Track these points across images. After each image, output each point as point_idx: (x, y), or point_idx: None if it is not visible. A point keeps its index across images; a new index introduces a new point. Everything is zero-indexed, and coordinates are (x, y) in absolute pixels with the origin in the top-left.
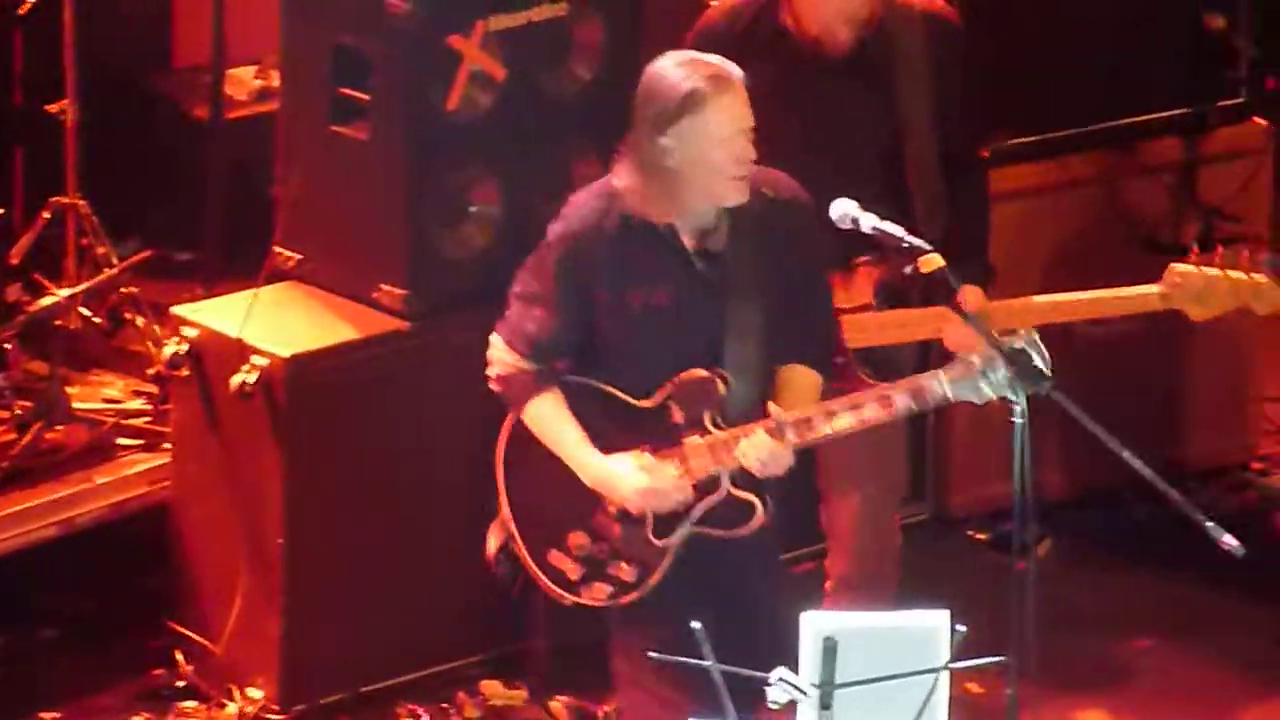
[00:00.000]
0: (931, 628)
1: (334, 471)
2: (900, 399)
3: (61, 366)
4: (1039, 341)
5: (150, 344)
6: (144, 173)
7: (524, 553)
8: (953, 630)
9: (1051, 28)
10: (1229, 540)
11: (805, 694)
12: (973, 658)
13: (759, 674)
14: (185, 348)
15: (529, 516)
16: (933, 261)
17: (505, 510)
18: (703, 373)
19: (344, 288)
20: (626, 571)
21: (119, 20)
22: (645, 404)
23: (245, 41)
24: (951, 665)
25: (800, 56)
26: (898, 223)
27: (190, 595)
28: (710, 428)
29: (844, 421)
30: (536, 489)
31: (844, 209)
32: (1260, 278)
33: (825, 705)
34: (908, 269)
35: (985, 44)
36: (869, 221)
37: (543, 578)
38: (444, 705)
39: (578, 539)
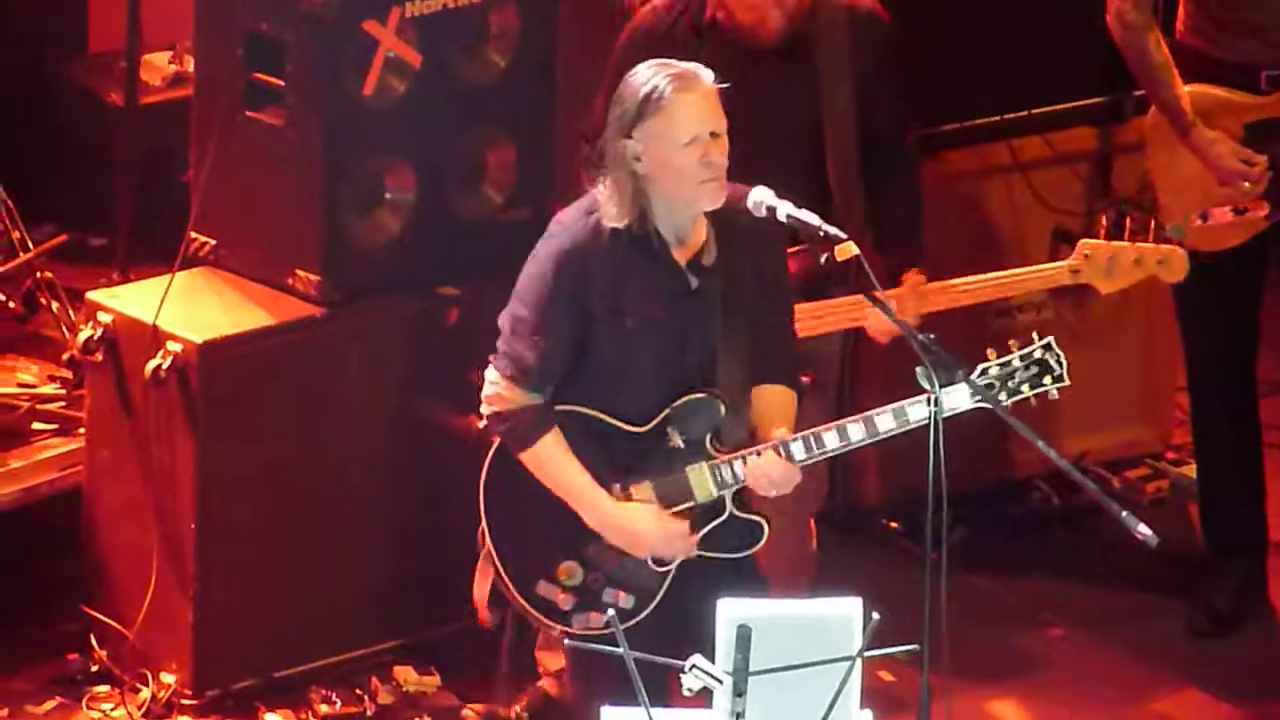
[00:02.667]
0: (845, 616)
1: (247, 458)
2: (914, 410)
3: None
4: (1055, 346)
5: (65, 329)
6: (59, 158)
7: (510, 586)
8: (866, 618)
9: (968, 16)
10: (1143, 530)
11: (720, 681)
12: (886, 646)
13: (674, 661)
14: (100, 333)
15: (512, 549)
16: (848, 250)
17: (489, 545)
18: (701, 395)
19: (259, 273)
20: (623, 599)
21: (34, 5)
22: (641, 429)
23: (160, 27)
24: (865, 653)
25: (729, 46)
26: (821, 209)
27: (103, 580)
28: (710, 450)
29: (856, 435)
30: (519, 521)
31: (760, 197)
32: (1167, 246)
33: (739, 692)
34: (824, 258)
35: (902, 33)
36: (785, 210)
37: (531, 609)
38: (357, 691)
39: (568, 569)
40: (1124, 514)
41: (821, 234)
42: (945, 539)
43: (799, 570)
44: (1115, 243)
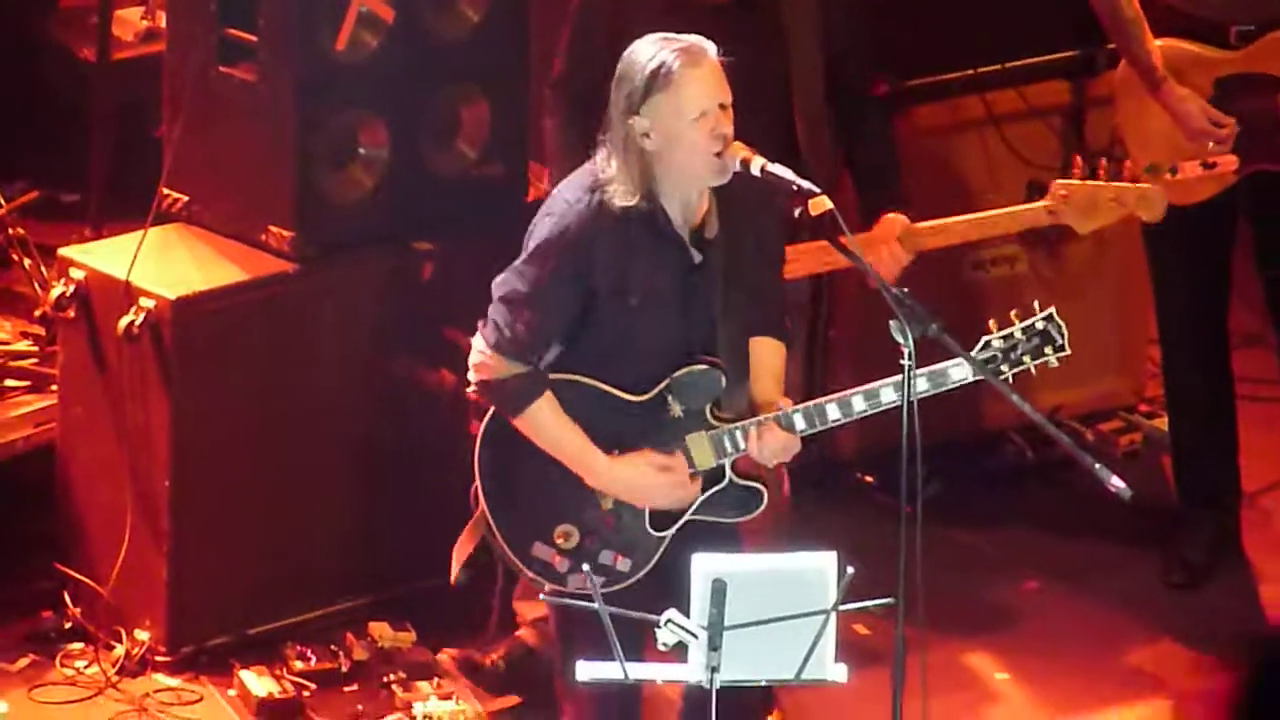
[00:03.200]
0: (820, 569)
1: (221, 414)
2: (920, 382)
3: None
4: (1056, 317)
5: (37, 285)
6: (31, 114)
7: (505, 547)
8: (841, 572)
9: None
10: (1117, 483)
11: (695, 635)
12: (861, 599)
13: (649, 616)
14: (72, 289)
15: (508, 511)
16: (821, 204)
17: (484, 506)
18: (702, 365)
19: (231, 229)
20: (621, 561)
21: None
22: (641, 398)
23: None
24: (839, 607)
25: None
26: (789, 162)
27: (77, 538)
28: (710, 419)
29: (859, 406)
30: (515, 483)
31: (734, 152)
32: (1143, 184)
33: (714, 646)
34: (797, 212)
35: None
36: (758, 164)
37: (526, 570)
38: (332, 647)
39: (564, 530)
40: (1097, 467)
41: (795, 189)
42: (920, 492)
43: (775, 520)
44: (1092, 181)
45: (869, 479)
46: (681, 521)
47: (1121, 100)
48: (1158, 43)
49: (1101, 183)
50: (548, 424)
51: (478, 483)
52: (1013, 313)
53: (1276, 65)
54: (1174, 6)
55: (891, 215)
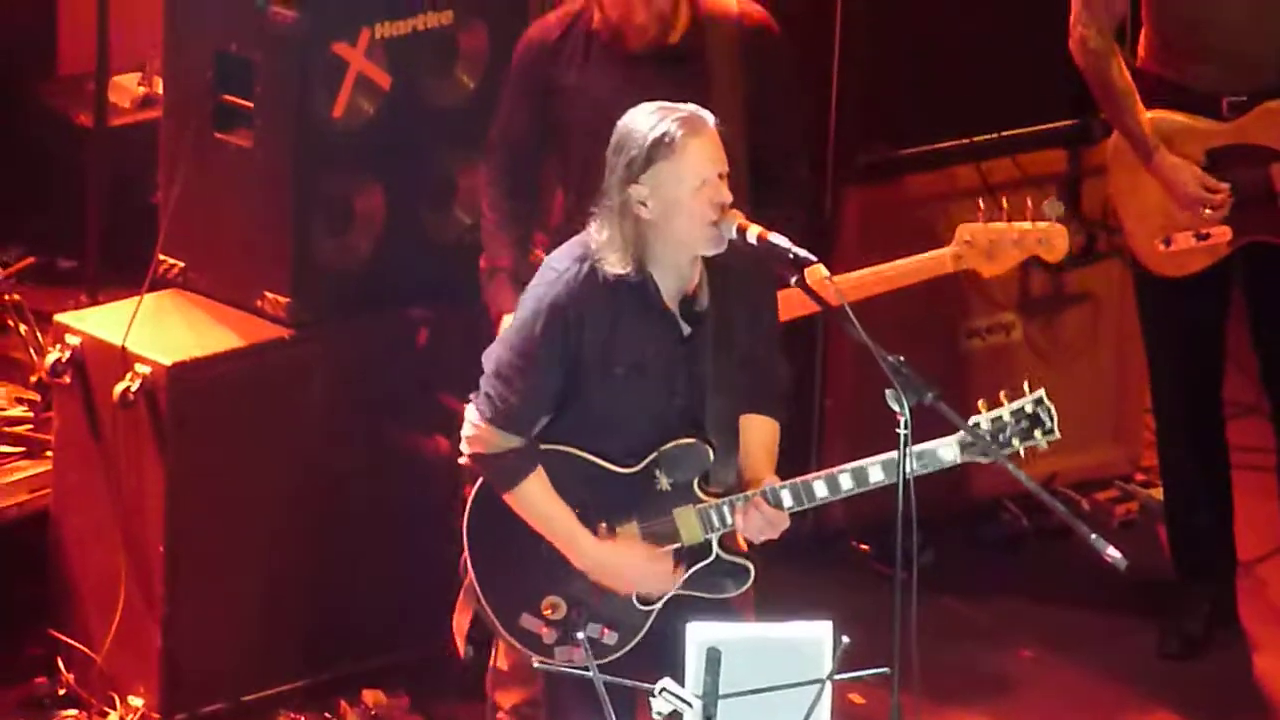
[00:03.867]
0: (815, 638)
1: (216, 480)
2: (909, 462)
3: None
4: (1046, 400)
5: (33, 351)
6: (27, 179)
7: (493, 618)
8: (836, 641)
9: (937, 38)
10: (1113, 553)
11: (689, 705)
12: (856, 668)
13: (644, 685)
14: (68, 355)
15: (495, 582)
16: (818, 272)
17: (472, 577)
18: (690, 440)
19: (227, 295)
20: (607, 635)
21: (3, 26)
22: (629, 471)
23: (129, 49)
24: (835, 676)
25: (608, 56)
26: None
27: (71, 603)
28: (698, 493)
29: (846, 485)
30: (503, 554)
31: (731, 220)
32: (1044, 224)
33: (709, 715)
34: (794, 280)
35: (872, 55)
36: (754, 232)
37: (514, 642)
38: (325, 714)
39: (551, 602)
40: (1093, 536)
41: (792, 256)
42: (915, 561)
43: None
44: (994, 224)
45: (864, 547)
46: (667, 596)
47: (1114, 171)
48: (1149, 114)
49: (1002, 225)
50: (537, 501)
51: (466, 552)
52: (1002, 393)
53: (1269, 136)
54: (1164, 78)
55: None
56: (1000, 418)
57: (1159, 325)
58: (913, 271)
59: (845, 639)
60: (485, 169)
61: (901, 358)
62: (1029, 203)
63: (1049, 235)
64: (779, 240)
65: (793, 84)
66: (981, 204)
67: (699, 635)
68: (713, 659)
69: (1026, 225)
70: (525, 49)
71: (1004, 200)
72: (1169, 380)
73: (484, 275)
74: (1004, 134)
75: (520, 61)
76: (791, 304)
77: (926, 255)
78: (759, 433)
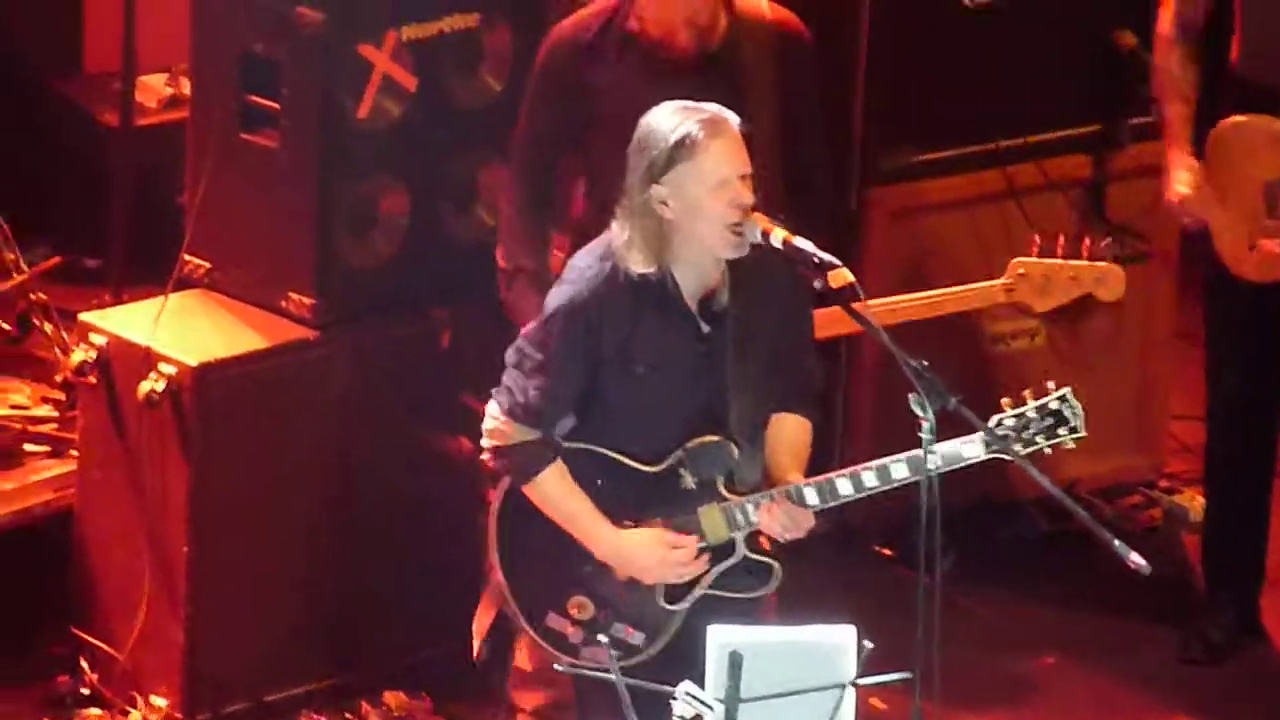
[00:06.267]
0: (837, 643)
1: (240, 480)
2: (932, 460)
3: None
4: (1071, 398)
5: (58, 350)
6: (53, 179)
7: (520, 617)
8: (858, 645)
9: (964, 44)
10: (1136, 559)
11: (710, 708)
12: (878, 673)
13: (665, 687)
14: (93, 355)
15: (523, 581)
16: (842, 276)
17: (499, 575)
18: (714, 438)
19: (252, 296)
20: (633, 635)
21: (29, 25)
22: (653, 469)
23: (156, 49)
24: (857, 681)
25: (644, 59)
26: None
27: (95, 602)
28: (723, 492)
29: (870, 482)
30: (530, 553)
31: (754, 223)
32: (1101, 264)
33: (730, 719)
34: (818, 284)
35: (897, 59)
36: (779, 236)
37: (540, 641)
38: (347, 715)
39: (578, 602)
40: (1115, 542)
41: (815, 260)
42: (937, 565)
43: None
44: (1049, 260)
45: (886, 551)
46: (694, 596)
47: (1211, 172)
48: (1243, 118)
49: (1058, 262)
50: (555, 493)
51: (492, 552)
52: (1025, 391)
53: None
54: (1255, 82)
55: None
56: (1024, 415)
57: (1229, 328)
58: (962, 300)
59: (867, 643)
60: (509, 167)
61: (925, 363)
62: (1087, 240)
63: (1106, 276)
64: (803, 244)
65: (819, 91)
66: (1037, 238)
67: (720, 638)
68: (734, 662)
69: (1083, 263)
70: (555, 47)
71: (1060, 237)
72: (1230, 384)
73: (504, 275)
74: (1029, 139)
75: (548, 59)
76: (823, 325)
77: (978, 286)
78: (790, 432)
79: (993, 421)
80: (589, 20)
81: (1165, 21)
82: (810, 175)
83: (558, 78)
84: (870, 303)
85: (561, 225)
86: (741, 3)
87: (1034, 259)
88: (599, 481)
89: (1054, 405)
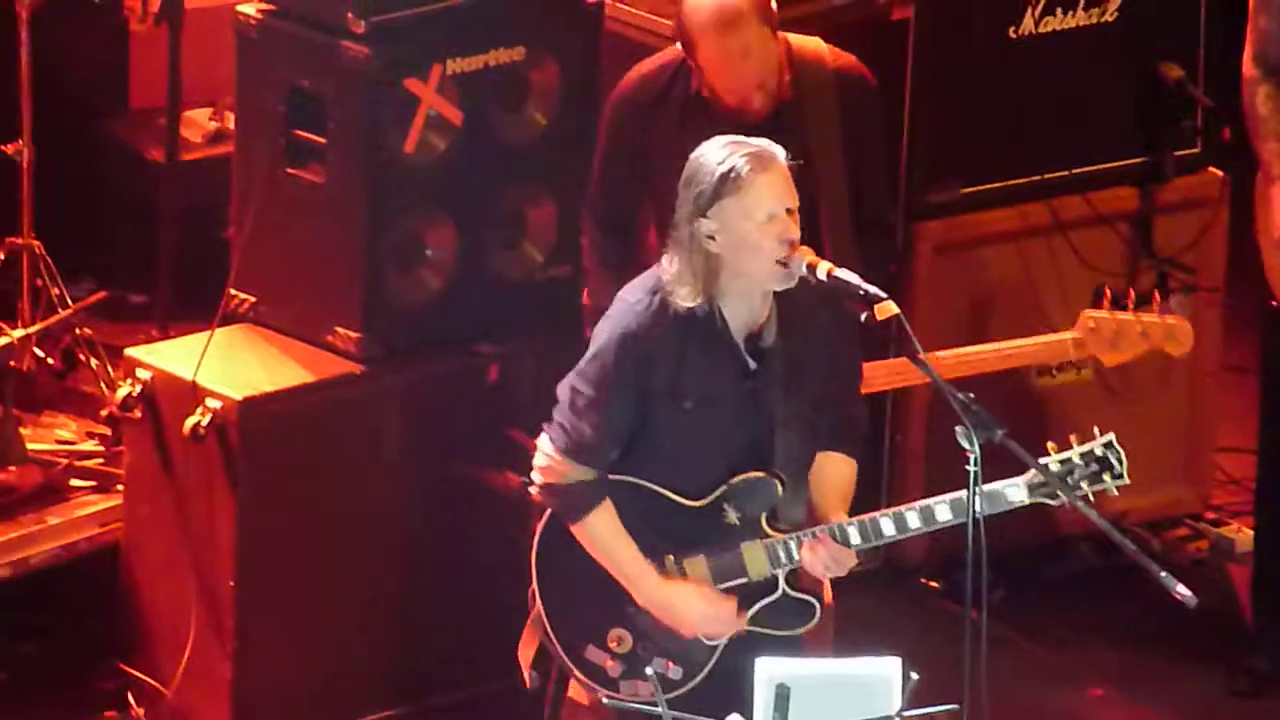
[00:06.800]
0: (884, 675)
1: (286, 514)
2: (977, 501)
3: (14, 408)
4: (1116, 444)
5: (103, 385)
6: (99, 214)
7: (559, 649)
8: (905, 677)
9: (1010, 76)
10: (1182, 590)
11: None
12: (925, 706)
13: None
14: (138, 389)
15: (563, 613)
16: (888, 309)
17: (539, 607)
18: (759, 474)
19: (298, 330)
20: (672, 670)
21: (76, 61)
22: (697, 504)
23: (201, 84)
24: (904, 713)
25: (715, 122)
26: None
27: (142, 637)
28: (766, 528)
29: (913, 523)
30: (571, 586)
31: (800, 256)
32: (1171, 319)
33: None
34: (864, 317)
35: (941, 93)
36: (824, 269)
37: (579, 674)
38: None
39: (617, 635)
40: (1163, 574)
41: (861, 293)
42: (985, 598)
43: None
44: (1120, 314)
45: (934, 585)
46: (735, 632)
47: (1258, 204)
48: None
49: (1129, 316)
50: (604, 535)
51: (534, 583)
52: (1071, 436)
53: None
54: None
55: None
56: (1069, 460)
57: None
58: (1032, 354)
59: (914, 675)
60: (585, 213)
61: (971, 395)
62: (1156, 296)
63: (1176, 332)
64: (848, 276)
65: (883, 130)
66: (1107, 291)
67: (768, 671)
68: (781, 695)
69: (1154, 319)
70: (617, 107)
71: (1131, 292)
72: None
73: (588, 312)
74: (1075, 171)
75: (612, 120)
76: (871, 380)
77: (1048, 339)
78: (834, 471)
79: (1039, 464)
80: (650, 78)
81: (1247, 62)
82: (879, 215)
83: (619, 136)
84: (938, 354)
85: (642, 263)
86: (801, 49)
87: (1104, 313)
88: (641, 515)
89: (1099, 451)
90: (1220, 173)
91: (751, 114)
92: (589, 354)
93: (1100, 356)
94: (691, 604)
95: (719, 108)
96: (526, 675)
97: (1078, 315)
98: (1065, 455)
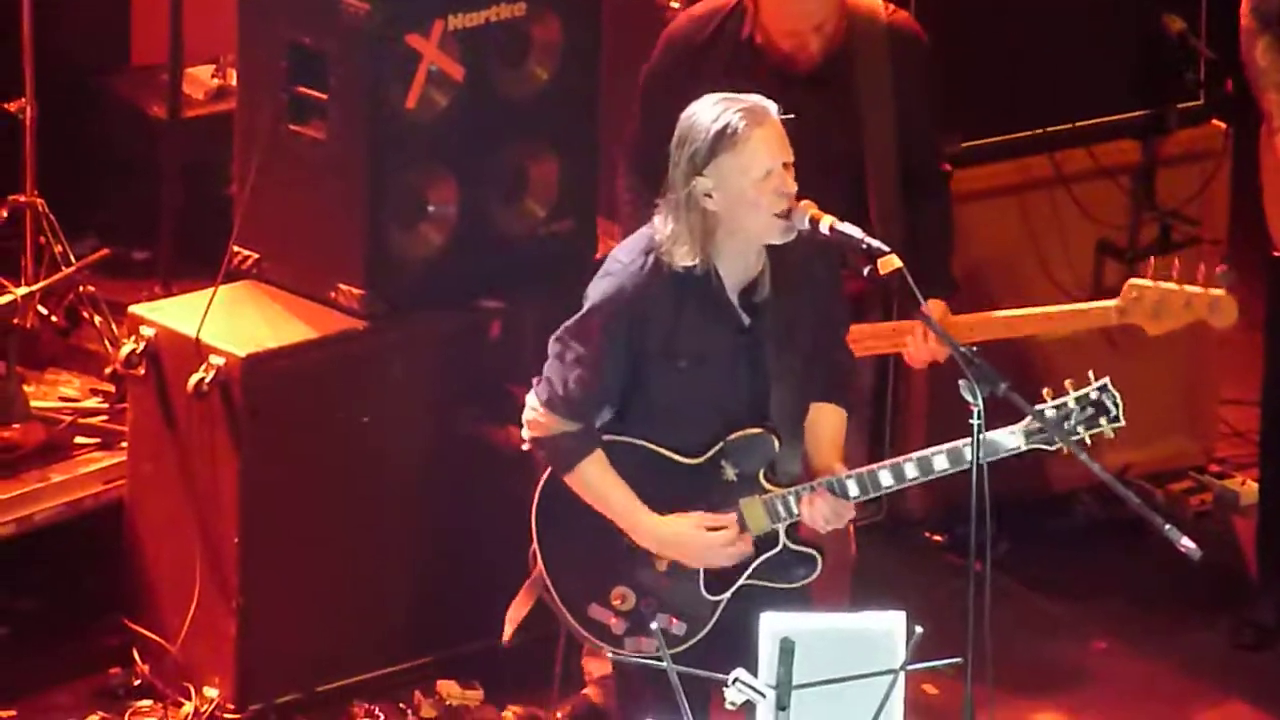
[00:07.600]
0: (888, 629)
1: (290, 471)
2: (968, 451)
3: (18, 365)
4: (1111, 387)
5: (107, 343)
6: (101, 171)
7: (562, 607)
8: (909, 631)
9: (1011, 29)
10: (1186, 543)
11: (763, 695)
12: (929, 659)
13: (717, 675)
14: (142, 346)
15: (565, 572)
16: (891, 263)
17: (540, 567)
18: (756, 430)
19: (301, 287)
20: (675, 625)
21: (77, 18)
22: (695, 461)
23: (203, 41)
24: (908, 667)
25: (766, 68)
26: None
27: (146, 594)
28: (764, 484)
29: (911, 473)
30: (572, 544)
31: (803, 210)
32: (1217, 291)
33: (782, 706)
34: (866, 271)
35: (944, 44)
36: (828, 222)
37: (583, 631)
38: (400, 704)
39: (620, 593)
40: (1167, 527)
41: (865, 247)
42: (989, 551)
43: (842, 579)
44: (1164, 284)
45: (938, 538)
46: (735, 586)
47: (1263, 154)
48: None
49: (1174, 286)
50: (595, 481)
51: (535, 543)
52: (1067, 381)
53: None
54: None
55: (932, 301)
56: (1065, 404)
57: None
58: (1073, 319)
59: (918, 629)
60: (621, 157)
61: (975, 348)
62: (1202, 266)
63: (1221, 304)
64: (852, 230)
65: (933, 84)
66: (1152, 261)
67: (773, 626)
68: (786, 649)
69: (1198, 290)
70: (667, 48)
71: (1176, 260)
72: None
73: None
74: (1077, 124)
75: (660, 61)
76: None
77: (1091, 305)
78: (829, 422)
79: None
80: (701, 20)
81: (1244, 14)
82: (926, 174)
83: (665, 80)
84: (977, 315)
85: None
86: (857, 1)
87: (1149, 282)
88: (640, 474)
89: (1094, 395)
90: (1223, 125)
91: (804, 59)
92: (582, 310)
93: (1143, 325)
94: (691, 532)
95: (770, 54)
96: (508, 633)
97: (1079, 270)
98: (1061, 400)
